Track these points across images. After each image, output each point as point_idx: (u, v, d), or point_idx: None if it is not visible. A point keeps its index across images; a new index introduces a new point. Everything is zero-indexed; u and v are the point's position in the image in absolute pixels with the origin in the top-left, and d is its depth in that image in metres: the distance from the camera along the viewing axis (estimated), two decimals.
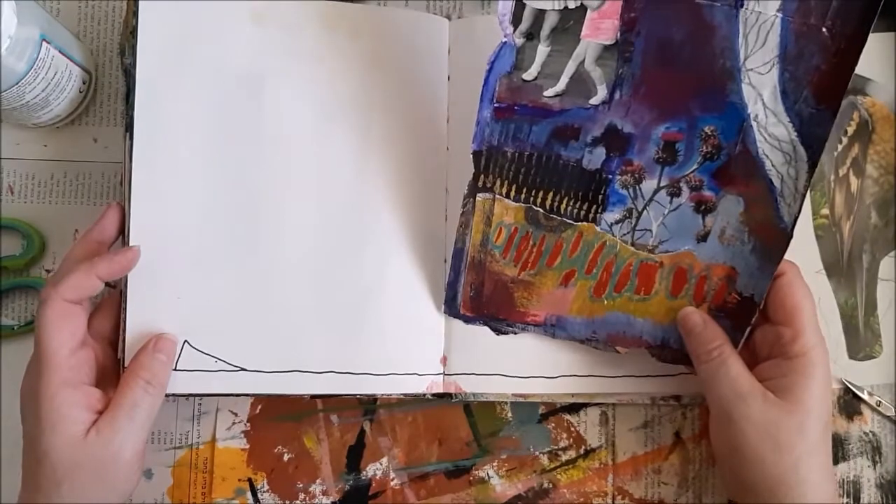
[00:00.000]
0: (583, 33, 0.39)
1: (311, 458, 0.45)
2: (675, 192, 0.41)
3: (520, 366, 0.45)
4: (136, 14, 0.42)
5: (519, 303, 0.44)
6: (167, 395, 0.41)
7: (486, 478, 0.46)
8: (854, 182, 0.48)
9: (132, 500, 0.44)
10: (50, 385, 0.37)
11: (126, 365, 0.40)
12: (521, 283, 0.44)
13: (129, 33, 0.42)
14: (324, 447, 0.45)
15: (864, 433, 0.48)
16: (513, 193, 0.42)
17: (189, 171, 0.43)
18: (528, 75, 0.40)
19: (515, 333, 0.45)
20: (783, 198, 0.40)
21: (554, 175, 0.42)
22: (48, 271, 0.46)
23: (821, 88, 0.38)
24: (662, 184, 0.41)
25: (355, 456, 0.46)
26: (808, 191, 0.39)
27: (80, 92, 0.45)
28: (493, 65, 0.40)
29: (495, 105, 0.41)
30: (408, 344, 0.45)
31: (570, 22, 0.38)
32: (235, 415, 0.45)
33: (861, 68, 0.48)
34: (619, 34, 0.38)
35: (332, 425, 0.46)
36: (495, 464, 0.46)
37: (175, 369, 0.42)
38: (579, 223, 0.42)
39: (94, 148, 0.47)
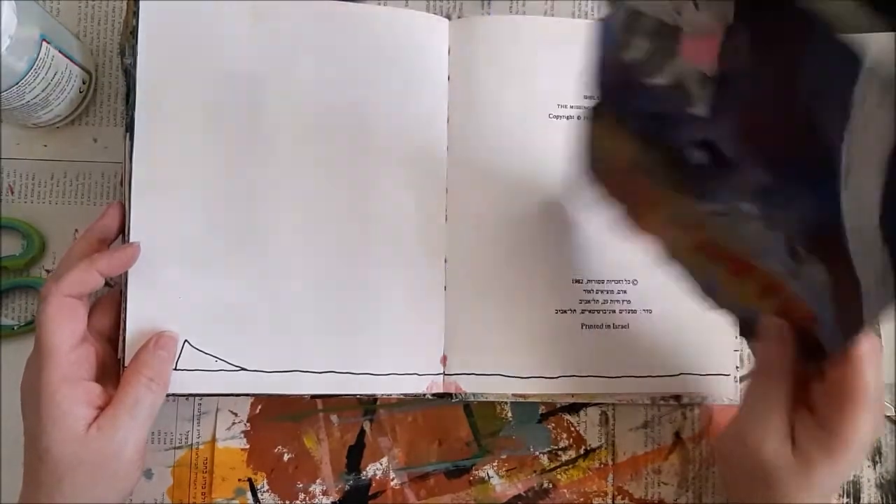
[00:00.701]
0: (681, 52, 0.35)
1: (311, 458, 0.45)
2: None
3: (520, 366, 0.45)
4: (136, 14, 0.42)
5: None
6: (167, 395, 0.41)
7: (486, 478, 0.46)
8: None
9: (132, 500, 0.44)
10: (51, 381, 0.37)
11: (126, 364, 0.41)
12: None
13: (130, 33, 0.42)
14: (324, 447, 0.45)
15: None
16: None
17: (189, 171, 0.43)
18: (632, 55, 0.36)
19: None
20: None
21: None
22: (48, 271, 0.46)
23: None
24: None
25: (355, 456, 0.46)
26: None
27: (80, 92, 0.45)
28: (597, 40, 0.36)
29: (605, 75, 0.37)
30: (408, 344, 0.45)
31: (668, 36, 0.35)
32: (235, 415, 0.45)
33: None
34: (719, 68, 0.34)
35: (332, 425, 0.46)
36: (495, 464, 0.46)
37: (175, 369, 0.42)
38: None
39: (94, 148, 0.47)
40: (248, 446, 0.45)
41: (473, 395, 0.45)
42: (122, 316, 0.42)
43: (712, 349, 0.46)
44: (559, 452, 0.47)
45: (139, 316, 0.42)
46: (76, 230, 0.46)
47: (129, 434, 0.38)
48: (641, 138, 0.38)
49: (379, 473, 0.46)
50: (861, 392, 0.36)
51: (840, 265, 0.34)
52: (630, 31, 0.35)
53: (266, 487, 0.45)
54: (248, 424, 0.45)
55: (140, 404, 0.39)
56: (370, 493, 0.45)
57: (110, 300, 0.42)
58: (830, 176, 0.32)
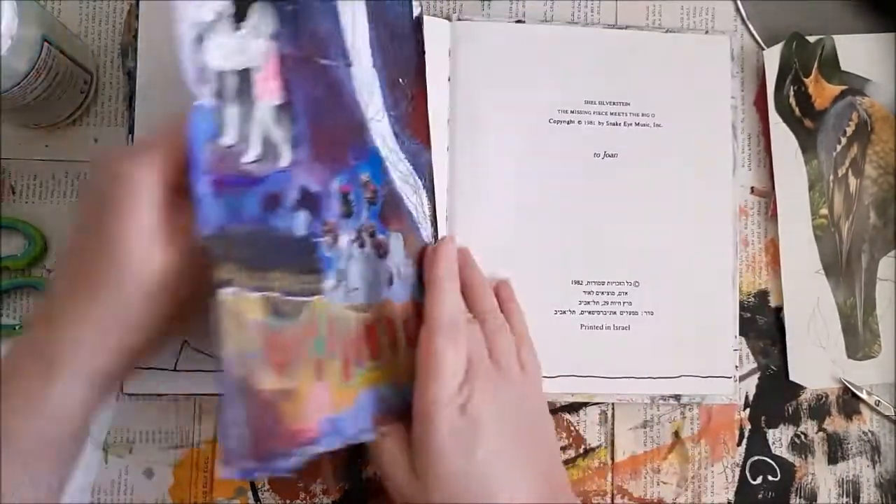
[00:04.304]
0: (256, 94, 0.35)
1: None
2: (361, 243, 0.39)
3: None
4: (137, 17, 0.42)
5: (288, 421, 0.33)
6: (168, 396, 0.41)
7: None
8: (853, 182, 0.48)
9: (133, 500, 0.44)
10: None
11: None
12: (282, 395, 0.34)
13: (132, 36, 0.42)
14: None
15: (864, 433, 0.48)
16: (250, 282, 0.33)
17: None
18: (229, 140, 0.34)
19: (300, 463, 0.34)
20: (420, 223, 0.43)
21: (276, 251, 0.35)
22: (49, 271, 0.46)
23: (413, 127, 0.43)
24: (352, 237, 0.39)
25: (356, 455, 0.46)
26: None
27: (81, 92, 0.45)
28: (194, 133, 0.32)
29: (212, 178, 0.33)
30: None
31: (245, 84, 0.35)
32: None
33: (860, 68, 0.49)
34: (282, 94, 0.36)
35: None
36: None
37: (174, 369, 0.42)
38: (312, 298, 0.36)
39: (96, 148, 0.47)
40: None
41: None
42: None
43: (712, 351, 0.47)
44: None
45: None
46: None
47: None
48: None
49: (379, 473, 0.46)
50: (425, 366, 0.37)
51: (402, 219, 0.42)
52: (219, 97, 0.34)
53: (266, 487, 0.45)
54: None
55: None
56: (370, 493, 0.45)
57: None
58: (373, 145, 0.41)
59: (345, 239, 0.38)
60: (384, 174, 0.41)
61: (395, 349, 0.40)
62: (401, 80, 0.43)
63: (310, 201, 0.37)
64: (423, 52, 0.44)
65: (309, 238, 0.37)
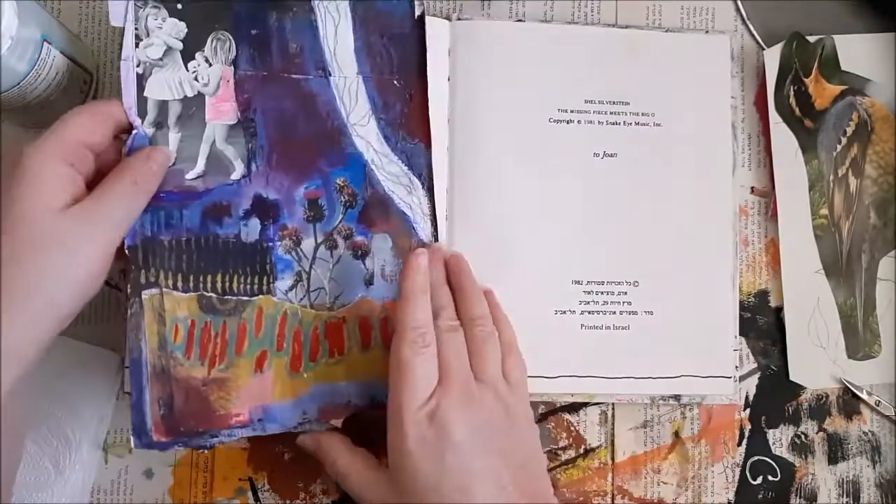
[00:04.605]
0: (207, 117, 0.41)
1: (311, 458, 0.45)
2: (332, 245, 0.43)
3: None
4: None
5: (218, 405, 0.40)
6: None
7: None
8: (853, 182, 0.48)
9: (132, 500, 0.44)
10: (45, 151, 0.36)
11: None
12: (215, 383, 0.40)
13: None
14: None
15: (864, 433, 0.48)
16: (180, 284, 0.40)
17: None
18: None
19: (223, 443, 0.41)
20: (416, 223, 0.44)
21: (217, 256, 0.41)
22: None
23: (410, 127, 0.44)
24: (319, 240, 0.42)
25: None
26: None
27: (81, 92, 0.45)
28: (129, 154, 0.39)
29: None
30: None
31: (193, 109, 0.41)
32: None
33: (860, 68, 0.49)
34: (239, 114, 0.42)
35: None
36: None
37: None
38: (256, 298, 0.41)
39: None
40: (248, 446, 0.45)
41: None
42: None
43: (712, 351, 0.47)
44: (559, 452, 0.47)
45: None
46: None
47: (104, 227, 0.37)
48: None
49: None
50: (393, 371, 0.38)
51: (391, 220, 0.43)
52: (159, 127, 0.40)
53: (267, 487, 0.45)
54: None
55: (119, 201, 0.37)
56: None
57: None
58: (354, 149, 0.43)
59: (309, 242, 0.42)
60: (367, 177, 0.43)
61: (367, 348, 0.42)
62: (396, 81, 0.44)
63: (264, 209, 0.42)
64: (425, 52, 0.44)
65: (260, 243, 0.42)
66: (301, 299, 0.42)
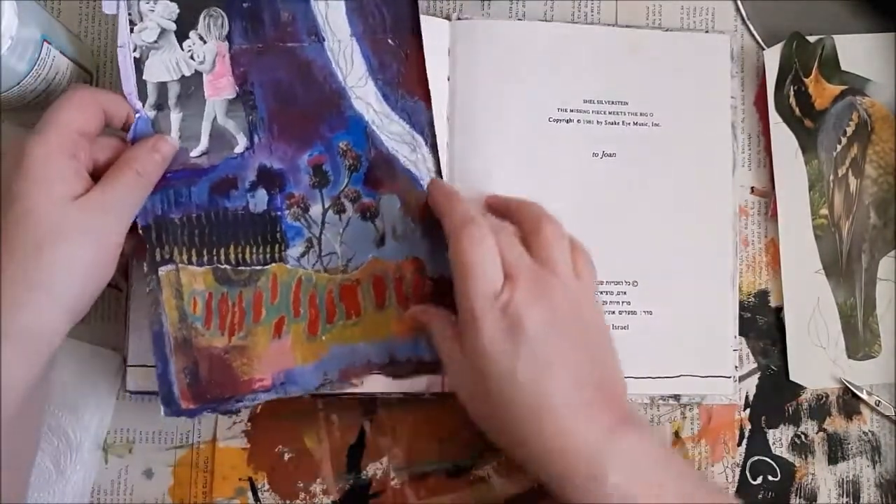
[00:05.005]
0: (206, 94, 0.42)
1: (311, 458, 0.45)
2: (340, 209, 0.43)
3: None
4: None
5: (241, 372, 0.41)
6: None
7: (487, 477, 0.46)
8: (853, 182, 0.48)
9: (132, 500, 0.45)
10: (48, 144, 0.36)
11: None
12: (236, 350, 0.41)
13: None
14: (324, 447, 0.46)
15: (864, 433, 0.48)
16: (195, 258, 0.41)
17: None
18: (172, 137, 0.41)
19: (247, 407, 0.44)
20: (423, 180, 0.44)
21: (228, 228, 0.42)
22: None
23: (408, 86, 0.44)
24: (326, 205, 0.43)
25: (355, 455, 0.46)
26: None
27: None
28: (134, 140, 0.40)
29: None
30: None
31: (192, 88, 0.42)
32: (236, 414, 0.45)
33: (860, 68, 0.49)
34: (237, 88, 0.42)
35: (333, 425, 0.46)
36: (495, 463, 0.46)
37: None
38: (269, 266, 0.42)
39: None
40: (248, 446, 0.45)
41: None
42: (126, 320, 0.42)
43: (712, 351, 0.47)
44: None
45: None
46: None
47: (111, 218, 0.37)
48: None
49: (379, 473, 0.46)
50: (459, 269, 0.37)
51: (398, 180, 0.44)
52: (160, 109, 0.41)
53: (266, 487, 0.45)
54: (248, 424, 0.45)
55: (126, 192, 0.38)
56: (370, 493, 0.45)
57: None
58: (354, 112, 0.43)
59: (317, 208, 0.43)
60: (369, 138, 0.43)
61: (382, 307, 0.43)
62: (391, 41, 0.44)
63: (270, 179, 0.42)
64: (417, 9, 0.44)
65: (269, 212, 0.42)
66: (314, 264, 0.42)
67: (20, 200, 0.35)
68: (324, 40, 0.43)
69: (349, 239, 0.43)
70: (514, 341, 0.36)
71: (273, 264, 0.42)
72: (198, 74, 0.42)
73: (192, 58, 0.42)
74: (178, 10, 0.42)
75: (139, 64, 0.41)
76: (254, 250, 0.42)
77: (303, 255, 0.42)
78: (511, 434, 0.37)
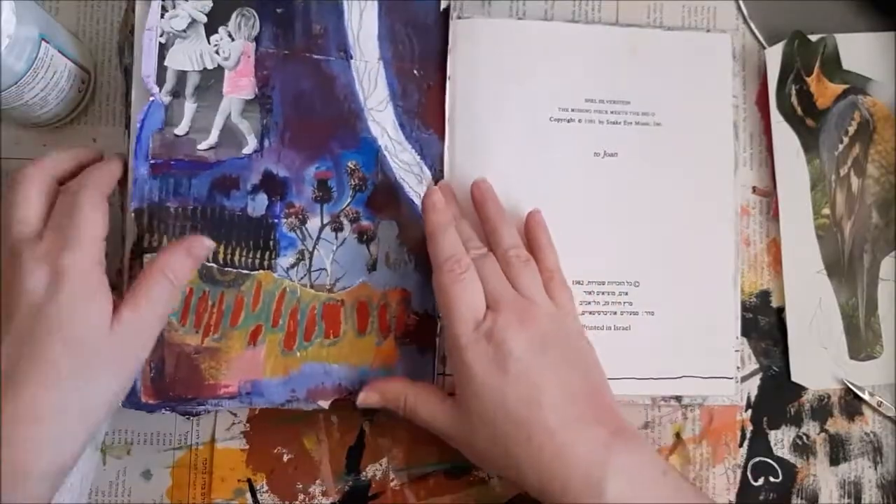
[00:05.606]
0: (224, 90, 0.42)
1: (310, 459, 0.45)
2: (338, 227, 0.43)
3: None
4: (134, 12, 0.42)
5: (208, 375, 0.41)
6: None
7: (487, 478, 0.46)
8: (855, 182, 0.48)
9: (130, 502, 0.44)
10: (84, 259, 0.34)
11: None
12: (207, 352, 0.41)
13: (129, 32, 0.42)
14: (323, 448, 0.45)
15: (865, 434, 0.48)
16: None
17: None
18: (180, 130, 0.42)
19: (208, 412, 0.43)
20: None
21: (221, 227, 0.41)
22: None
23: (426, 117, 0.45)
24: (325, 221, 0.43)
25: (355, 456, 0.46)
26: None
27: (80, 91, 0.45)
28: (144, 122, 0.41)
29: (151, 161, 0.41)
30: None
31: (212, 81, 0.42)
32: (235, 415, 0.45)
33: (862, 67, 0.49)
34: (257, 89, 0.43)
35: (332, 426, 0.46)
36: None
37: None
38: (256, 272, 0.42)
39: (94, 147, 0.46)
40: (247, 447, 0.45)
41: None
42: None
43: (713, 351, 0.46)
44: None
45: None
46: None
47: (147, 341, 0.36)
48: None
49: (379, 474, 0.45)
50: (442, 300, 0.39)
51: (400, 207, 0.44)
52: (175, 96, 0.41)
53: (265, 488, 0.45)
54: (247, 425, 0.45)
55: (162, 305, 0.36)
56: (370, 494, 0.45)
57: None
58: (368, 134, 0.43)
59: (315, 222, 0.43)
60: (379, 163, 0.43)
61: (363, 333, 0.43)
62: (416, 71, 0.45)
63: (273, 185, 0.42)
64: (447, 45, 0.45)
65: (266, 218, 0.42)
66: (301, 278, 0.42)
67: (63, 327, 0.33)
68: (351, 58, 0.44)
69: (342, 259, 0.43)
70: (502, 365, 0.36)
71: (261, 271, 0.42)
72: (220, 69, 0.42)
73: (217, 52, 0.42)
74: (211, 4, 0.42)
75: (163, 50, 0.41)
76: (244, 253, 0.42)
77: (292, 266, 0.42)
78: (508, 458, 0.37)
